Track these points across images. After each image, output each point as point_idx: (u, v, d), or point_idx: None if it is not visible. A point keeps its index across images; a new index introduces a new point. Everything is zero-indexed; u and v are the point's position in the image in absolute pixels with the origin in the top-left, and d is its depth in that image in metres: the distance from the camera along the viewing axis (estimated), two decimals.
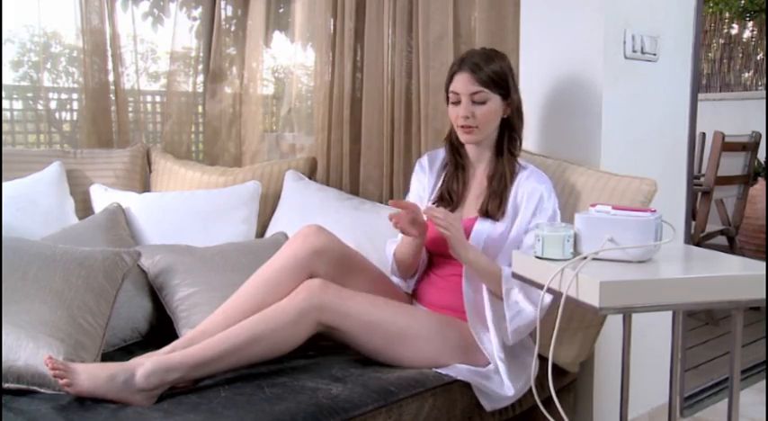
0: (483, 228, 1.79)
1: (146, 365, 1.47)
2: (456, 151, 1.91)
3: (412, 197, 1.97)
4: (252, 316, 1.61)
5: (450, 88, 1.82)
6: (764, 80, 5.72)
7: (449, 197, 1.89)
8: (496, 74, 1.78)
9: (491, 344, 1.73)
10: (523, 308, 1.67)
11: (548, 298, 1.57)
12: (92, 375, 1.44)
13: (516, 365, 1.74)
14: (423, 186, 1.96)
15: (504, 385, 1.69)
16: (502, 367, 1.70)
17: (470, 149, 1.89)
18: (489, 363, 1.74)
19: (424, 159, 2.00)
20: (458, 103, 1.80)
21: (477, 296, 1.77)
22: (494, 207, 1.80)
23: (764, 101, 4.94)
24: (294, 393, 1.50)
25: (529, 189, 1.78)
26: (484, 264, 1.72)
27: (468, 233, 1.78)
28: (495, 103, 1.79)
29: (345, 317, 1.64)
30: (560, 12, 2.08)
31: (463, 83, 1.79)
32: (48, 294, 1.65)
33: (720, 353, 3.03)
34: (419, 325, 1.73)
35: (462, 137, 1.83)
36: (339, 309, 1.64)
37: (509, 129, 1.84)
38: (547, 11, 2.12)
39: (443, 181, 1.92)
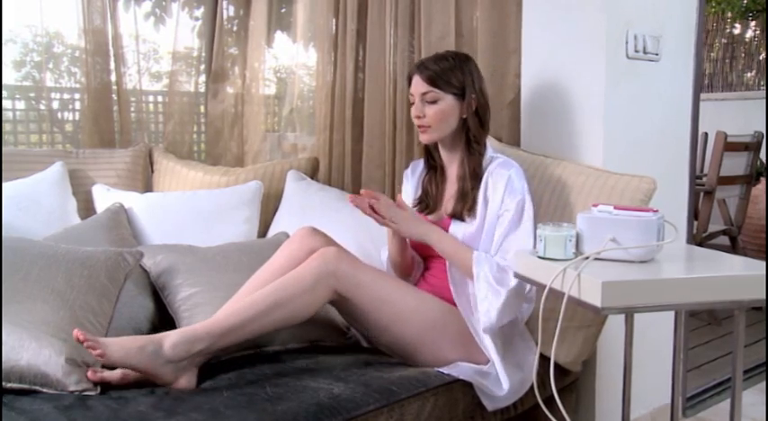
0: (457, 229, 1.82)
1: (172, 336, 1.52)
2: (430, 154, 1.95)
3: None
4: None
5: (410, 90, 1.86)
6: (766, 80, 5.72)
7: (426, 200, 1.93)
8: (446, 73, 1.80)
9: (487, 340, 1.73)
10: (495, 290, 1.69)
11: (514, 281, 1.64)
12: (122, 347, 1.48)
13: (514, 363, 1.74)
14: (407, 195, 2.01)
15: (499, 381, 1.69)
16: (497, 361, 1.71)
17: (441, 151, 1.92)
18: (489, 361, 1.74)
19: (409, 169, 2.05)
20: (414, 103, 1.84)
21: (463, 289, 1.79)
22: (459, 208, 1.83)
23: (765, 101, 4.93)
24: (296, 393, 1.50)
25: (496, 177, 1.80)
26: (451, 247, 1.78)
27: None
28: (446, 102, 1.81)
29: (357, 287, 1.69)
30: (562, 11, 2.08)
31: (416, 84, 1.83)
32: (50, 294, 1.65)
33: (722, 353, 3.02)
34: (426, 307, 1.76)
35: (420, 136, 1.86)
36: (352, 278, 1.69)
37: (468, 131, 1.84)
38: (549, 10, 2.12)
39: (421, 185, 1.97)
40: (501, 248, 1.76)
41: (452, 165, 1.91)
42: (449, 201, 1.88)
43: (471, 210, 1.81)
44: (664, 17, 2.13)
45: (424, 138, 1.85)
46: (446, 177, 1.93)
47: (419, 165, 2.01)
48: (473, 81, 1.83)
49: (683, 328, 1.66)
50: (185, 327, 1.57)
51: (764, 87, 5.69)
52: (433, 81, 1.80)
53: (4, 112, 2.76)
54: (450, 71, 1.80)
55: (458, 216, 1.82)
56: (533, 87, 2.19)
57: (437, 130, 1.82)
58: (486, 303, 1.69)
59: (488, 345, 1.73)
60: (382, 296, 1.72)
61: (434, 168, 1.94)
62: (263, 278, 1.77)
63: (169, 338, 1.52)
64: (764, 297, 1.32)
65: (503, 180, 1.78)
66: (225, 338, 1.56)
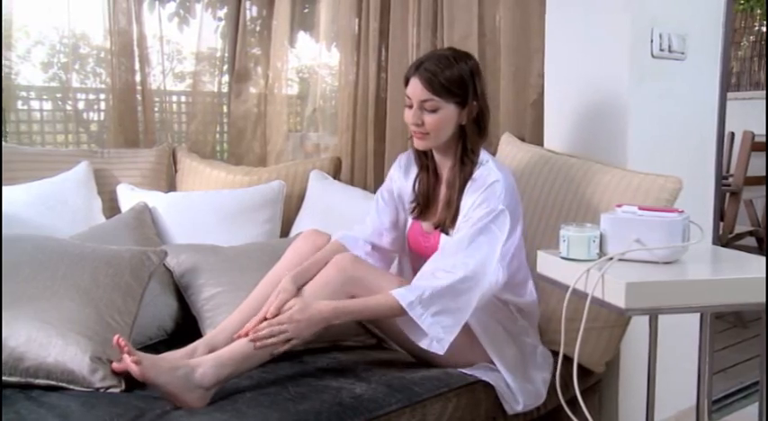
0: (445, 240, 1.73)
1: (203, 363, 1.49)
2: (423, 154, 1.83)
3: (387, 188, 1.93)
4: None
5: (406, 91, 1.73)
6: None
7: (420, 203, 1.84)
8: (451, 81, 1.67)
9: (496, 357, 1.71)
10: (437, 303, 1.58)
11: (451, 278, 1.56)
12: (155, 364, 1.46)
13: (528, 376, 1.72)
14: (396, 183, 1.91)
15: (513, 392, 1.68)
16: (510, 380, 1.68)
17: (435, 153, 1.81)
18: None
19: (399, 162, 1.93)
20: (411, 107, 1.72)
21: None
22: (441, 219, 1.75)
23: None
24: (318, 392, 1.50)
25: (478, 183, 1.69)
26: (361, 307, 1.61)
27: (435, 247, 1.73)
28: (447, 111, 1.69)
29: (375, 293, 1.63)
30: (586, 10, 2.06)
31: (415, 89, 1.69)
32: (76, 292, 1.67)
33: (749, 356, 2.98)
34: None
35: (414, 142, 1.76)
36: (369, 284, 1.65)
37: (464, 138, 1.74)
38: (572, 10, 2.10)
39: (413, 187, 1.87)
40: (447, 245, 1.67)
41: (445, 168, 1.81)
42: (440, 206, 1.81)
43: (453, 220, 1.72)
44: (690, 15, 2.10)
45: (420, 144, 1.74)
46: (440, 179, 1.84)
47: (410, 163, 1.89)
48: (476, 87, 1.71)
49: (709, 330, 1.64)
50: (211, 354, 1.53)
51: None
52: (434, 88, 1.67)
53: (31, 113, 2.81)
54: (453, 77, 1.67)
55: (443, 227, 1.74)
56: (557, 87, 2.17)
57: (434, 139, 1.72)
58: (436, 329, 1.57)
59: (498, 364, 1.70)
60: None
61: (426, 169, 1.85)
62: (273, 277, 1.77)
63: (201, 366, 1.48)
64: None
65: (481, 187, 1.67)
66: (249, 361, 1.52)
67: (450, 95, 1.68)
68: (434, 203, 1.83)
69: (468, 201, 1.69)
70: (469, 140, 1.73)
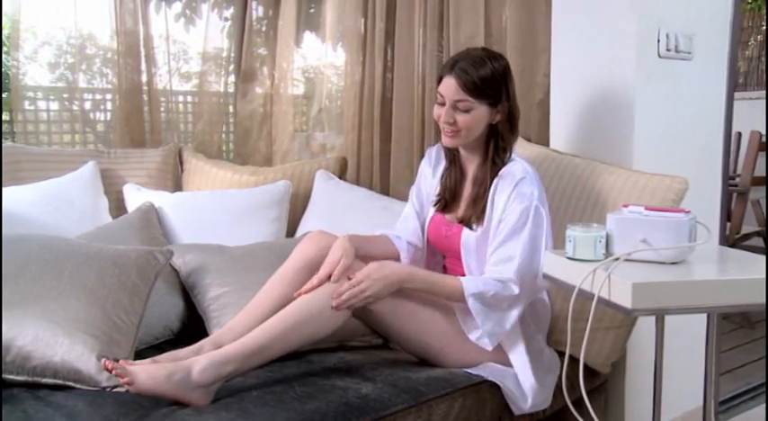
0: (469, 235, 1.77)
1: (201, 362, 1.48)
2: (450, 149, 1.86)
3: (420, 183, 1.96)
4: (273, 310, 1.64)
5: (438, 88, 1.75)
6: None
7: (445, 197, 1.87)
8: (485, 81, 1.69)
9: (513, 355, 1.73)
10: (490, 308, 1.67)
11: (507, 293, 1.65)
12: (150, 375, 1.45)
13: (538, 376, 1.72)
14: (426, 178, 1.95)
15: (523, 392, 1.69)
16: (524, 379, 1.69)
17: (462, 150, 1.84)
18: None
19: (430, 155, 1.96)
20: (443, 104, 1.74)
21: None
22: (469, 213, 1.78)
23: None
24: (324, 392, 1.51)
25: (505, 182, 1.72)
26: (431, 279, 1.71)
27: (458, 239, 1.79)
28: (480, 111, 1.71)
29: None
30: (592, 10, 2.06)
31: (449, 88, 1.71)
32: (83, 292, 1.68)
33: (756, 356, 2.97)
34: (450, 317, 1.74)
35: (443, 139, 1.78)
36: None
37: (496, 137, 1.76)
38: (579, 9, 2.10)
39: (441, 178, 1.90)
40: (495, 255, 1.70)
41: (471, 164, 1.84)
42: (464, 202, 1.84)
43: (480, 216, 1.75)
44: (697, 15, 2.10)
45: (450, 142, 1.77)
46: (465, 175, 1.87)
47: (440, 157, 1.93)
48: (508, 88, 1.74)
49: (716, 331, 1.63)
50: (213, 352, 1.54)
51: None
52: (469, 89, 1.69)
53: (38, 113, 2.82)
54: (489, 78, 1.70)
55: (467, 222, 1.77)
56: (563, 87, 2.17)
57: (465, 137, 1.75)
58: (489, 324, 1.68)
59: (515, 362, 1.72)
60: (404, 306, 1.69)
61: (454, 163, 1.87)
62: (279, 277, 1.78)
63: (198, 364, 1.48)
64: None
65: (511, 184, 1.70)
66: (253, 359, 1.53)
67: (484, 96, 1.71)
68: (458, 198, 1.86)
69: (501, 198, 1.71)
70: (503, 139, 1.77)
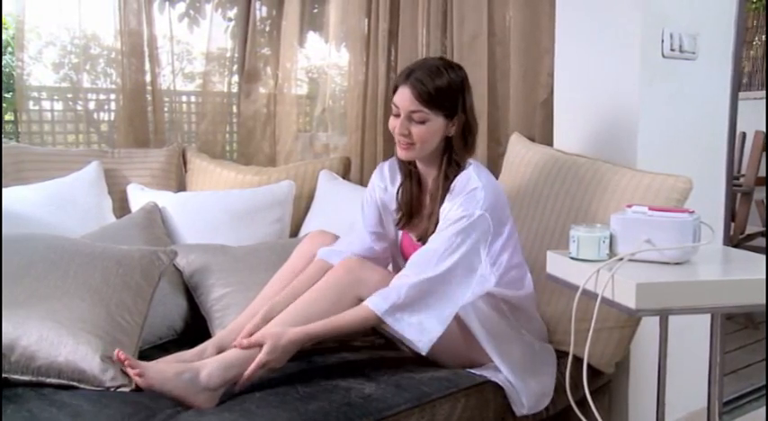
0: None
1: (208, 365, 1.49)
2: (407, 162, 1.80)
3: (370, 199, 1.90)
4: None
5: (393, 99, 1.70)
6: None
7: (405, 212, 1.82)
8: (441, 92, 1.64)
9: (497, 360, 1.70)
10: (410, 304, 1.58)
11: (414, 278, 1.56)
12: (159, 371, 1.46)
13: (534, 377, 1.71)
14: (376, 192, 1.88)
15: (518, 393, 1.67)
16: (515, 382, 1.66)
17: (418, 163, 1.78)
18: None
19: (382, 169, 1.89)
20: (398, 116, 1.69)
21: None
22: (424, 230, 1.74)
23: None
24: (327, 392, 1.50)
25: (459, 187, 1.68)
26: (343, 322, 1.58)
27: None
28: (435, 122, 1.66)
29: None
30: (596, 10, 2.05)
31: (403, 98, 1.66)
32: (87, 292, 1.68)
33: (760, 357, 2.96)
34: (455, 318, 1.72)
35: (398, 151, 1.73)
36: (377, 285, 1.63)
37: (451, 150, 1.71)
38: (582, 9, 2.10)
39: (397, 194, 1.84)
40: (422, 251, 1.64)
41: (429, 177, 1.79)
42: (424, 218, 1.78)
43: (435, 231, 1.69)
44: (701, 15, 2.09)
45: (405, 155, 1.71)
46: (423, 188, 1.81)
47: (394, 173, 1.86)
48: (464, 100, 1.69)
49: (720, 331, 1.63)
50: (221, 355, 1.54)
51: None
52: (425, 101, 1.64)
53: (42, 113, 2.83)
54: (444, 89, 1.65)
55: (424, 239, 1.72)
56: (566, 87, 2.17)
57: (420, 150, 1.69)
58: (433, 317, 1.58)
59: (500, 365, 1.67)
60: None
61: (410, 177, 1.82)
62: (281, 277, 1.79)
63: (206, 367, 1.48)
64: None
65: (462, 192, 1.65)
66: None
67: (439, 107, 1.66)
68: (419, 213, 1.81)
69: (446, 206, 1.67)
70: (455, 153, 1.71)
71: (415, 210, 1.81)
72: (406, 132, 1.67)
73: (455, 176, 1.71)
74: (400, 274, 1.64)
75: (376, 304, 1.56)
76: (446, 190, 1.71)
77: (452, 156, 1.71)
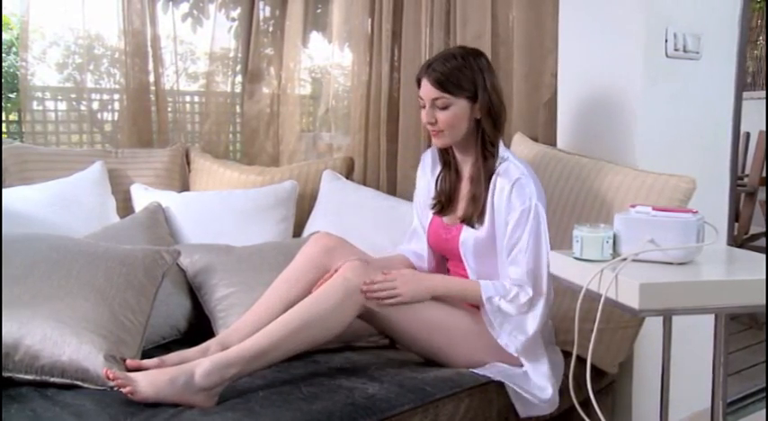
0: (468, 234, 1.77)
1: (204, 364, 1.48)
2: (444, 151, 1.85)
3: (419, 192, 1.97)
4: (278, 312, 1.64)
5: (418, 93, 1.77)
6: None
7: (441, 200, 1.87)
8: (456, 74, 1.69)
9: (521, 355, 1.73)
10: (507, 311, 1.69)
11: (524, 297, 1.67)
12: (152, 381, 1.46)
13: (547, 373, 1.72)
14: (421, 187, 1.96)
15: (539, 387, 1.68)
16: (534, 375, 1.70)
17: (455, 151, 1.84)
18: (523, 365, 1.73)
19: (424, 161, 1.96)
20: (425, 107, 1.75)
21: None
22: (470, 212, 1.77)
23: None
24: (330, 392, 1.51)
25: (503, 181, 1.72)
26: (458, 287, 1.76)
27: (457, 241, 1.79)
28: (459, 107, 1.71)
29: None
30: (599, 10, 2.05)
31: (425, 89, 1.73)
32: (90, 291, 1.68)
33: (764, 358, 2.95)
34: (455, 315, 1.74)
35: (433, 140, 1.79)
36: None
37: (483, 132, 1.75)
38: (586, 9, 2.09)
39: (437, 182, 1.90)
40: (510, 260, 1.72)
41: (466, 165, 1.83)
42: (462, 202, 1.83)
43: (481, 215, 1.75)
44: (705, 14, 2.09)
45: (438, 142, 1.78)
46: (461, 176, 1.86)
47: (435, 161, 1.92)
48: (485, 79, 1.72)
49: (724, 332, 1.63)
50: (216, 354, 1.54)
51: None
52: (443, 85, 1.70)
53: (46, 113, 2.83)
54: (460, 72, 1.70)
55: (468, 221, 1.77)
56: (570, 87, 2.17)
57: (450, 135, 1.75)
58: (507, 325, 1.70)
59: (524, 361, 1.73)
60: (412, 307, 1.69)
61: (449, 166, 1.87)
62: (285, 277, 1.79)
63: (201, 367, 1.47)
64: None
65: (509, 184, 1.70)
66: (257, 361, 1.53)
67: (460, 90, 1.71)
68: (455, 200, 1.86)
69: (501, 199, 1.71)
70: (487, 134, 1.76)
71: (454, 197, 1.86)
72: (433, 120, 1.73)
73: (494, 158, 1.77)
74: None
75: (486, 289, 1.72)
76: (489, 172, 1.76)
77: (485, 137, 1.76)
